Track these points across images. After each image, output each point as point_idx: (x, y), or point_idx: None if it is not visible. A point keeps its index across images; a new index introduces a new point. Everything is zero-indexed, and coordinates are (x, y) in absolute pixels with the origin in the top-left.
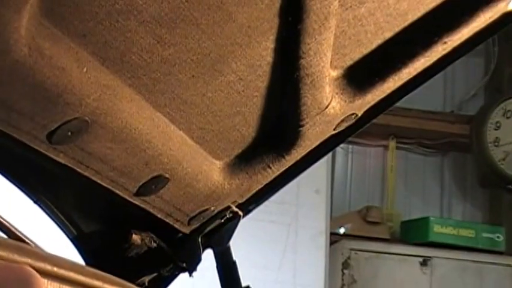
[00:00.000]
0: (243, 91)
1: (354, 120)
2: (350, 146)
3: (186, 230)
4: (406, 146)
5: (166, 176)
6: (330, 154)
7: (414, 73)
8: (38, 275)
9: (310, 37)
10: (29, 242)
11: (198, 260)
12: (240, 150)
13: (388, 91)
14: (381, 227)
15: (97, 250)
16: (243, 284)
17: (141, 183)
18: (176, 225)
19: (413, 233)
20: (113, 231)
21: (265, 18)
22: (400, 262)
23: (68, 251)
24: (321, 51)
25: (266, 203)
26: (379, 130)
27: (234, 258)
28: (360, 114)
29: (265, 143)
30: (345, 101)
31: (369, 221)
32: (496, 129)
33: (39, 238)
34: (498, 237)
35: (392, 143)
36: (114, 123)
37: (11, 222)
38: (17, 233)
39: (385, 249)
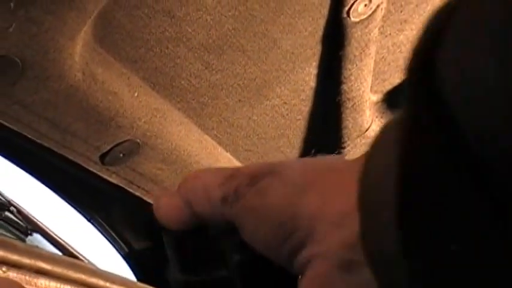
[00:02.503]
0: (287, 115)
1: None
2: None
3: None
4: None
5: None
6: None
7: None
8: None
9: (351, 63)
10: (82, 258)
11: None
12: None
13: None
14: None
15: (147, 267)
16: None
17: None
18: None
19: None
20: (162, 249)
21: (308, 45)
22: None
23: (120, 268)
24: (361, 77)
25: None
26: None
27: None
28: None
29: None
30: None
31: None
32: None
33: (92, 255)
34: None
35: None
36: (164, 145)
37: (65, 239)
38: (71, 250)
39: None
